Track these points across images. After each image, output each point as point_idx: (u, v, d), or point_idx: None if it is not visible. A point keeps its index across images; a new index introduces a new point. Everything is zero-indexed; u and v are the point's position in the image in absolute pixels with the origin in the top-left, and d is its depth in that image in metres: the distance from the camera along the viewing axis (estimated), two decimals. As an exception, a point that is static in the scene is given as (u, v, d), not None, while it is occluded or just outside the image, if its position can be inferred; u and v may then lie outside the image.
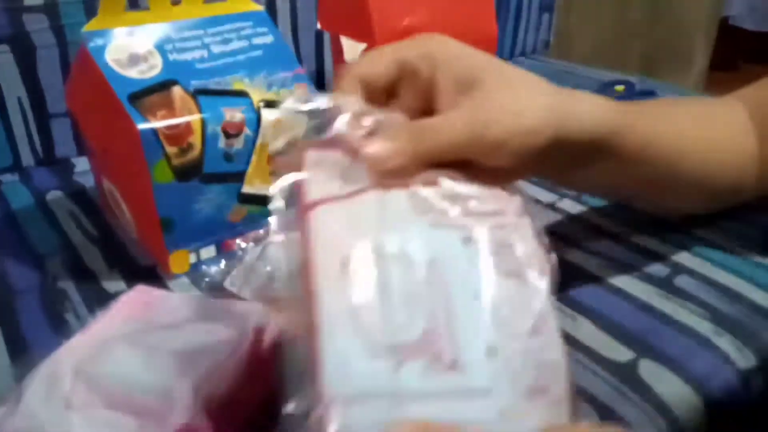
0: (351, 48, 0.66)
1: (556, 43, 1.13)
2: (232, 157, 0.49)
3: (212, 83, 0.49)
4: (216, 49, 0.50)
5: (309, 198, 0.28)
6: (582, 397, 0.39)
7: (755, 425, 0.45)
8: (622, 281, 0.49)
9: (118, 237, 0.56)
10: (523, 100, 0.36)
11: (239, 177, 0.50)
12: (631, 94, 0.85)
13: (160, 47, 0.49)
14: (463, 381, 0.25)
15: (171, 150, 0.46)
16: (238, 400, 0.34)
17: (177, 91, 0.47)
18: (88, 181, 0.66)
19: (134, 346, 0.37)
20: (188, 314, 0.40)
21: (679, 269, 0.51)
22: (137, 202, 0.51)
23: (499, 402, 0.25)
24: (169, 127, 0.45)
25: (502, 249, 0.28)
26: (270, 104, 0.49)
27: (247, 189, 0.51)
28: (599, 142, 0.40)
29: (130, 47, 0.48)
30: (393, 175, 0.31)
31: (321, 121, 0.32)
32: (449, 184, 0.31)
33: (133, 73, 0.47)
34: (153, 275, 0.51)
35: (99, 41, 0.47)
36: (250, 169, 0.50)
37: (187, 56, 0.49)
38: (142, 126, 0.44)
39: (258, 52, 0.52)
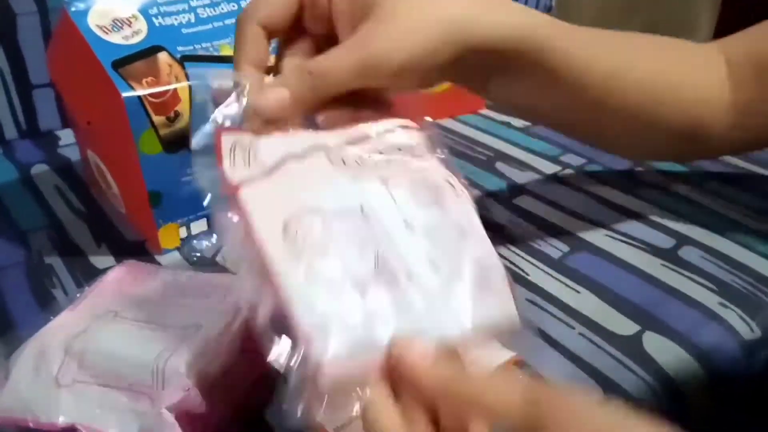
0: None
1: (557, 15, 1.11)
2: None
3: (200, 49, 0.47)
4: (203, 12, 0.48)
5: (234, 181, 0.30)
6: (586, 371, 0.38)
7: (759, 397, 0.44)
8: (626, 253, 0.48)
9: (105, 212, 0.55)
10: (420, 19, 0.34)
11: None
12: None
13: (145, 11, 0.47)
14: (419, 291, 0.29)
15: (158, 119, 0.44)
16: (232, 376, 0.34)
17: (163, 57, 0.45)
18: (73, 154, 0.64)
19: (124, 322, 0.36)
20: (179, 289, 0.39)
21: (684, 241, 0.50)
22: (124, 175, 0.50)
23: (453, 300, 0.29)
24: (155, 95, 0.44)
25: (419, 181, 0.32)
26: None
27: None
28: (512, 55, 0.37)
29: (113, 12, 0.46)
30: (285, 121, 0.32)
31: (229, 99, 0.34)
32: (358, 128, 0.34)
33: (117, 38, 0.45)
34: (143, 250, 0.49)
35: (80, 5, 0.45)
36: None
37: (173, 20, 0.47)
38: (126, 94, 0.43)
39: None
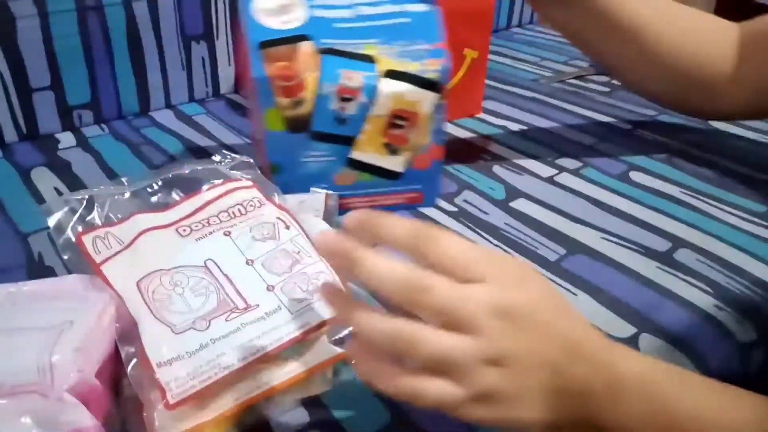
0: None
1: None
2: (344, 120, 0.49)
3: (343, 44, 0.48)
4: (364, 10, 0.50)
5: (97, 258, 0.41)
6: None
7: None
8: (622, 256, 0.49)
9: None
10: None
11: (349, 141, 0.50)
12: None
13: (310, 1, 0.49)
14: (257, 312, 0.38)
15: (282, 101, 0.47)
16: (111, 361, 0.36)
17: (305, 46, 0.48)
18: (73, 157, 0.64)
19: None
20: (27, 297, 0.39)
21: (679, 243, 0.50)
22: (259, 144, 0.53)
23: (289, 310, 0.38)
24: (283, 78, 0.47)
25: (255, 227, 0.43)
26: (394, 74, 0.48)
27: (356, 155, 0.51)
28: None
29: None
30: None
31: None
32: (201, 197, 0.46)
33: (274, 22, 0.48)
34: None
35: None
36: (362, 136, 0.50)
37: (331, 13, 0.49)
38: (256, 73, 0.47)
39: (405, 20, 0.50)
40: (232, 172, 0.49)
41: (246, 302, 0.38)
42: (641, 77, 0.60)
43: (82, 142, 0.68)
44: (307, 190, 0.52)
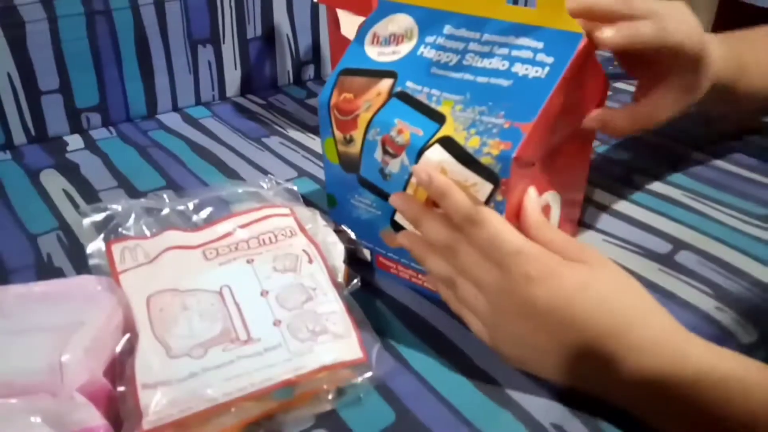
0: (348, 21, 0.65)
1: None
2: (387, 176, 0.43)
3: (423, 93, 0.41)
4: (471, 60, 0.42)
5: (119, 267, 0.42)
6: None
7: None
8: (624, 258, 0.49)
9: None
10: (689, 18, 0.44)
11: (385, 197, 0.44)
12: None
13: (423, 37, 0.44)
14: (256, 347, 0.37)
15: (337, 134, 0.45)
16: (120, 360, 0.37)
17: (384, 84, 0.43)
18: (81, 159, 0.65)
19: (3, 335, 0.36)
20: (38, 298, 0.40)
21: (680, 245, 0.51)
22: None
23: (288, 349, 0.37)
24: (340, 111, 0.44)
25: (279, 257, 0.43)
26: (446, 144, 0.39)
27: (400, 218, 0.44)
28: (717, 79, 0.48)
29: (398, 26, 0.45)
30: None
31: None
32: (237, 220, 0.46)
33: (372, 52, 0.45)
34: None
35: (386, 11, 0.46)
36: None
37: (436, 55, 0.43)
38: (321, 97, 0.45)
39: (507, 82, 0.39)
40: (274, 197, 0.49)
41: (249, 334, 0.37)
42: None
43: (90, 145, 0.69)
44: (358, 234, 0.48)
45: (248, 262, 0.42)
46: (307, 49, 0.84)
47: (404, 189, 0.42)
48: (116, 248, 0.43)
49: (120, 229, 0.45)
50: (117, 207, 0.46)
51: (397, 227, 0.44)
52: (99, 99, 0.71)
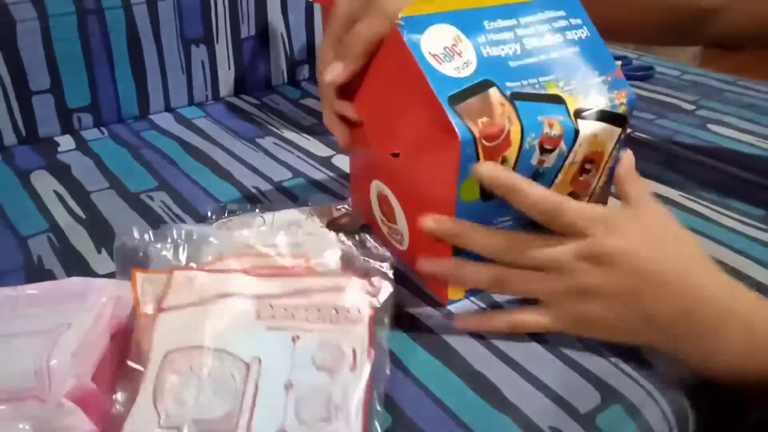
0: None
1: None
2: (540, 175, 0.41)
3: (526, 85, 0.41)
4: (529, 43, 0.43)
5: (166, 303, 0.38)
6: (584, 376, 0.39)
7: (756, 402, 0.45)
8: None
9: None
10: None
11: None
12: (629, 69, 0.84)
13: (474, 39, 0.42)
14: None
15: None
16: (108, 362, 0.36)
17: (495, 94, 0.40)
18: (72, 160, 0.64)
19: None
20: (25, 301, 0.39)
21: (679, 246, 0.50)
22: (423, 215, 0.43)
23: None
24: (489, 138, 0.39)
25: (325, 347, 0.37)
26: (587, 114, 0.42)
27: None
28: None
29: (445, 38, 0.41)
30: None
31: None
32: (309, 281, 0.40)
33: (449, 70, 0.40)
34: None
35: (415, 29, 0.40)
36: (552, 190, 0.42)
37: (501, 51, 0.42)
38: (464, 136, 0.38)
39: (573, 50, 0.43)
40: (369, 263, 0.42)
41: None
42: (636, 23, 0.61)
43: (82, 146, 0.68)
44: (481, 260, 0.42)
45: (293, 339, 0.37)
46: (301, 48, 0.84)
47: (558, 173, 0.43)
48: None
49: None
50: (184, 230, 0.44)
51: (539, 225, 0.41)
52: (90, 99, 0.70)
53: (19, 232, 0.53)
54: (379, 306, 0.39)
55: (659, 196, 0.57)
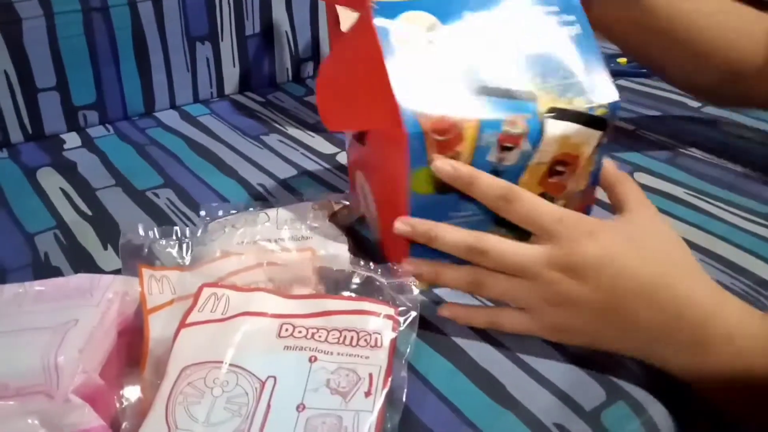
0: (348, 17, 0.64)
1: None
2: (499, 173, 0.41)
3: (500, 79, 0.40)
4: (512, 35, 0.42)
5: (188, 319, 0.38)
6: (586, 371, 0.39)
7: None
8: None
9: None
10: None
11: None
12: (635, 66, 0.84)
13: (450, 27, 0.41)
14: None
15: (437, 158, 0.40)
16: (115, 357, 0.36)
17: (459, 87, 0.40)
18: (78, 157, 0.65)
19: None
20: (34, 298, 0.39)
21: (684, 244, 0.50)
22: (389, 207, 0.44)
23: None
24: (440, 132, 0.39)
25: (341, 370, 0.36)
26: (557, 113, 0.40)
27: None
28: None
29: (417, 25, 0.40)
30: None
31: None
32: (331, 303, 0.40)
33: (413, 59, 0.40)
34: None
35: (388, 13, 0.39)
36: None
37: (478, 41, 0.41)
38: (412, 129, 0.38)
39: (559, 46, 0.42)
40: (393, 293, 0.41)
41: None
42: (683, 73, 0.61)
43: (88, 143, 0.68)
44: (446, 257, 0.42)
45: (310, 360, 0.36)
46: (306, 45, 0.84)
47: (522, 172, 0.41)
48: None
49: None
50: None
51: (504, 222, 0.41)
52: (96, 97, 0.71)
53: (25, 228, 0.53)
54: (401, 330, 0.39)
55: (663, 193, 0.57)
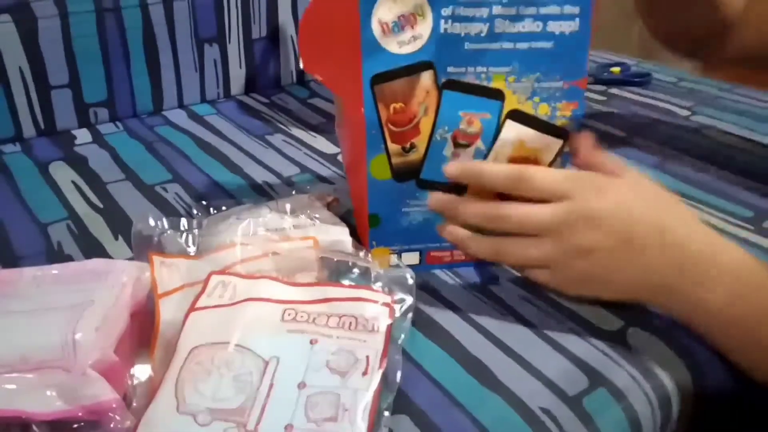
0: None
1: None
2: None
3: (469, 74, 0.40)
4: (500, 27, 0.40)
5: (197, 303, 0.40)
6: (575, 363, 0.41)
7: (740, 391, 0.47)
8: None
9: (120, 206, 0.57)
10: None
11: (459, 190, 0.43)
12: (627, 75, 0.86)
13: (438, 10, 0.39)
14: None
15: (393, 147, 0.42)
16: (127, 338, 0.38)
17: (426, 79, 0.40)
18: (89, 152, 0.67)
19: (11, 315, 0.38)
20: (52, 279, 0.41)
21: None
22: (356, 186, 0.48)
23: None
24: (396, 124, 0.40)
25: (341, 352, 0.38)
26: (518, 116, 0.41)
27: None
28: None
29: (403, 4, 0.39)
30: None
31: None
32: (331, 290, 0.42)
33: (391, 45, 0.39)
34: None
35: None
36: (471, 189, 0.43)
37: (463, 29, 0.40)
38: (368, 117, 0.40)
39: (547, 44, 0.41)
40: (391, 274, 0.44)
41: (256, 426, 0.34)
42: (662, 23, 0.62)
43: (98, 139, 0.70)
44: (405, 242, 0.46)
45: (312, 342, 0.39)
46: (294, 36, 0.86)
47: None
48: (214, 279, 0.42)
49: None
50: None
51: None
52: (107, 94, 0.73)
53: (39, 219, 0.55)
54: (397, 317, 0.41)
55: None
